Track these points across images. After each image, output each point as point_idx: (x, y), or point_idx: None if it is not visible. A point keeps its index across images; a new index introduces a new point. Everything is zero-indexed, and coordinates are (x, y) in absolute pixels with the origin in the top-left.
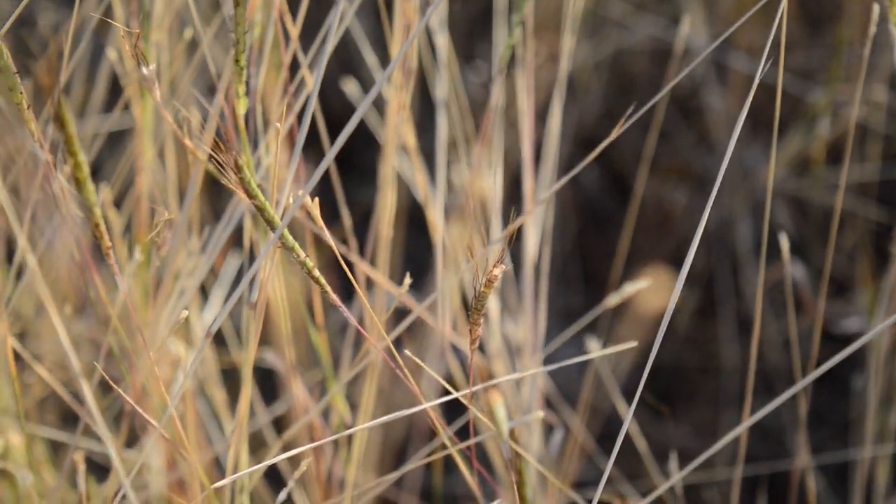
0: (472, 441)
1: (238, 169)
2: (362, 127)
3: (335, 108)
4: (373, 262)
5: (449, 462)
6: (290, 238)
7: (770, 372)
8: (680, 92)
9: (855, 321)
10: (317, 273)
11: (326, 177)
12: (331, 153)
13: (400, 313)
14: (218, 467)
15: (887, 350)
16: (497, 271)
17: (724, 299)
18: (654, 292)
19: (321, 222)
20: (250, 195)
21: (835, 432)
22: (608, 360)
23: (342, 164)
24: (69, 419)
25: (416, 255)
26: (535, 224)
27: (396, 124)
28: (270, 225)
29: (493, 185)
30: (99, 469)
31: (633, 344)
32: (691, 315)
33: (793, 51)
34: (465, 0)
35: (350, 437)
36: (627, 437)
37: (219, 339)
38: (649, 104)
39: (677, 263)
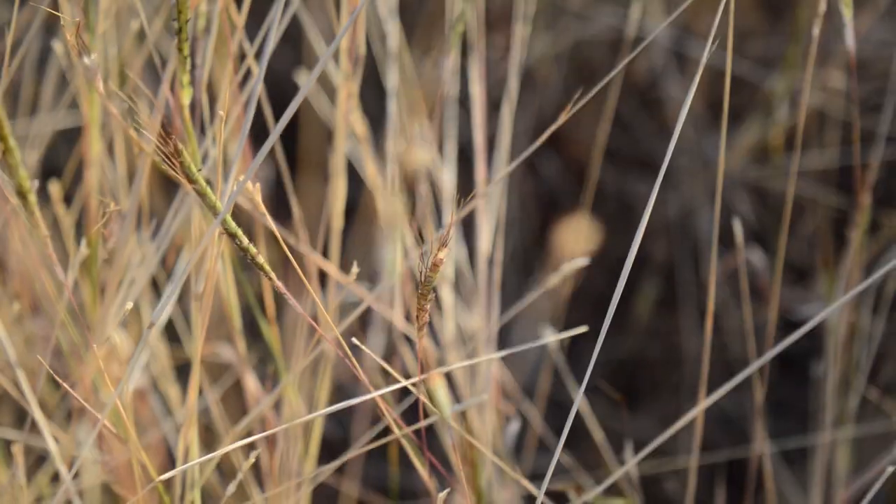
0: (418, 425)
1: (178, 154)
2: (323, 123)
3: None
4: (326, 254)
5: (408, 455)
6: (233, 224)
7: (733, 361)
8: (640, 83)
9: (814, 308)
10: (261, 260)
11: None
12: (274, 134)
13: (356, 305)
14: (172, 464)
15: (845, 336)
16: (442, 255)
17: (685, 289)
18: (574, 240)
19: (262, 207)
20: (191, 181)
21: (797, 420)
22: (566, 351)
23: (302, 160)
24: (26, 419)
25: (372, 248)
26: (489, 212)
27: (346, 113)
28: (213, 211)
29: (447, 174)
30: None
31: (584, 328)
32: (653, 306)
33: (752, 39)
34: None
35: (305, 432)
36: (588, 429)
37: (173, 336)
38: (596, 88)
39: (639, 254)
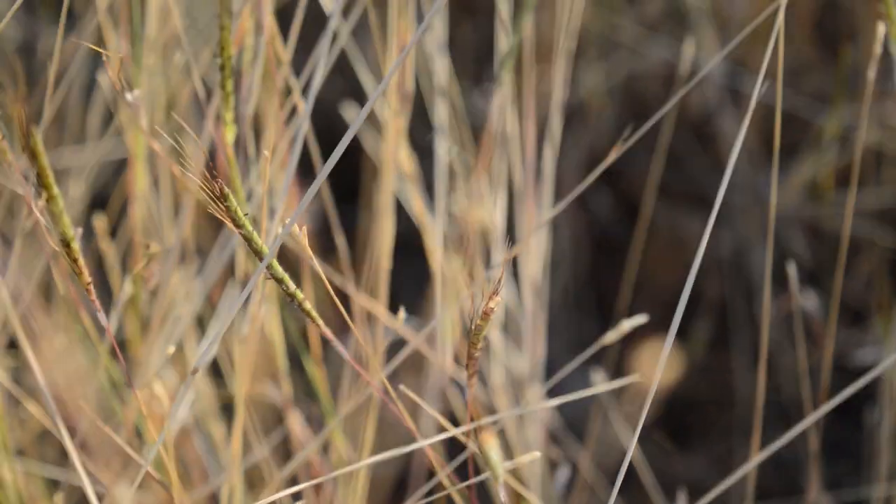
0: (470, 482)
1: (224, 197)
2: (369, 158)
3: (339, 136)
4: (372, 293)
5: (450, 502)
6: (280, 269)
7: (786, 404)
8: (694, 118)
9: (870, 352)
10: (307, 306)
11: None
12: (322, 174)
13: (401, 346)
14: None
15: None
16: (493, 303)
17: (738, 329)
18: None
19: (310, 251)
20: (237, 224)
21: (851, 468)
22: (617, 394)
23: (349, 195)
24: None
25: (416, 284)
26: (537, 250)
27: (394, 150)
28: (258, 255)
29: (493, 213)
30: None
31: (636, 377)
32: (706, 345)
33: (808, 74)
34: (474, 23)
35: (350, 475)
36: (639, 474)
37: (218, 373)
38: (650, 123)
39: (692, 292)
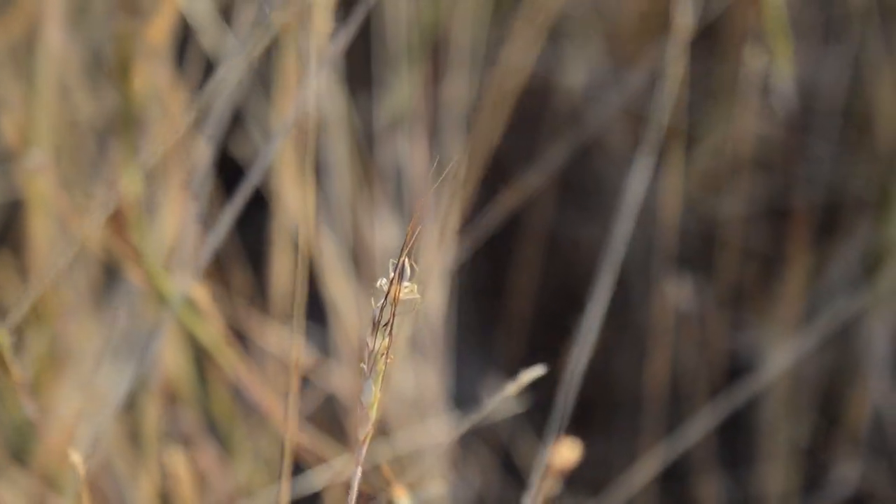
0: None
1: (139, 258)
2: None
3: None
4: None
5: None
6: (189, 317)
7: (676, 399)
8: (567, 119)
9: (750, 336)
10: (227, 363)
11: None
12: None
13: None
14: None
15: (787, 374)
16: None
17: (620, 327)
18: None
19: (209, 306)
20: (151, 282)
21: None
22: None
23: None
24: None
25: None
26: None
27: (291, 184)
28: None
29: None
30: None
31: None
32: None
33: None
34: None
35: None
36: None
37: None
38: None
39: (572, 285)
